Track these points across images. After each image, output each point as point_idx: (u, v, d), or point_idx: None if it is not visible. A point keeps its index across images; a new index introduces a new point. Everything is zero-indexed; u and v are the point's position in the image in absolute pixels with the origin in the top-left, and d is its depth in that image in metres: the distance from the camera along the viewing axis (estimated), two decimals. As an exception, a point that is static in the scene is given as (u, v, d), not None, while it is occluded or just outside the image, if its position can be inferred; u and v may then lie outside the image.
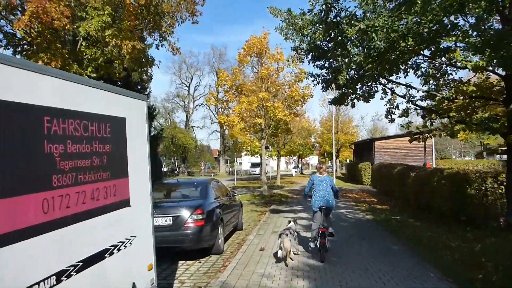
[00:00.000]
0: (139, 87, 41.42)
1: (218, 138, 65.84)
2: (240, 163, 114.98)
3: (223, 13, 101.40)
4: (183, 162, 65.47)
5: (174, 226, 7.52)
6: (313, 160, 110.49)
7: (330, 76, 11.64)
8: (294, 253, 7.65)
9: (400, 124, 12.67)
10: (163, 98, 61.08)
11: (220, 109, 24.05)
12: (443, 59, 9.71)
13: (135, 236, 3.84)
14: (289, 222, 8.16)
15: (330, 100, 13.02)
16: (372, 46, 7.32)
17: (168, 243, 7.50)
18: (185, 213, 7.63)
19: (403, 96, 10.96)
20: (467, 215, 10.98)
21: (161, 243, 7.48)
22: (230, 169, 76.83)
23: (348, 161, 59.90)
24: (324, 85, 12.29)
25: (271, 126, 21.90)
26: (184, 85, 65.12)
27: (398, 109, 11.01)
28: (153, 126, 43.06)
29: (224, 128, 22.10)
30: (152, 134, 43.02)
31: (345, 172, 47.56)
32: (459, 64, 9.01)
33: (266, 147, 32.08)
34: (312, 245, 7.84)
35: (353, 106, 12.61)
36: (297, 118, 22.80)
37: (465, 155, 70.89)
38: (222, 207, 9.02)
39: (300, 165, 69.50)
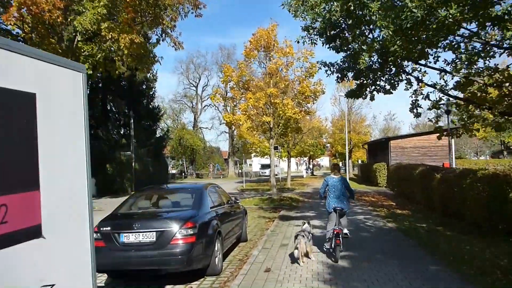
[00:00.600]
0: (144, 86, 40.30)
1: (227, 139, 64.39)
2: (250, 165, 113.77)
3: (232, 14, 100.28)
4: (191, 164, 64.27)
5: (158, 243, 6.05)
6: (324, 161, 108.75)
7: (347, 64, 10.15)
8: (308, 256, 7.38)
9: (428, 119, 10.96)
10: (170, 99, 60.15)
11: (227, 108, 22.20)
12: (481, 39, 8.15)
13: (52, 285, 2.39)
14: (304, 223, 7.81)
15: (346, 93, 11.49)
16: (404, 17, 5.80)
17: (151, 265, 6.06)
18: (172, 227, 6.15)
19: (433, 85, 9.39)
20: (507, 224, 9.40)
21: (142, 265, 6.07)
22: (240, 171, 75.54)
23: (360, 161, 58.16)
24: (340, 75, 10.81)
25: (280, 124, 20.40)
26: (192, 85, 64.02)
27: (429, 99, 9.45)
28: (160, 127, 41.89)
29: (233, 128, 20.63)
30: (158, 135, 41.81)
31: (358, 173, 45.85)
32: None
33: (276, 148, 30.62)
34: (327, 245, 7.76)
35: (372, 99, 11.10)
36: (308, 116, 21.04)
37: (480, 154, 68.50)
38: (220, 217, 7.56)
39: (311, 166, 67.84)
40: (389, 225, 11.57)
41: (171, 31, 22.19)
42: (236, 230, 9.05)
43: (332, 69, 10.68)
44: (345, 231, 7.87)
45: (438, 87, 9.26)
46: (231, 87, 19.84)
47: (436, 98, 9.37)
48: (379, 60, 8.74)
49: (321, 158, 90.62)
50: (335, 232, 7.29)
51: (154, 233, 6.09)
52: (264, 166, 65.72)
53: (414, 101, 10.10)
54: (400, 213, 14.32)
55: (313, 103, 20.82)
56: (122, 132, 36.14)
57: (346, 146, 30.19)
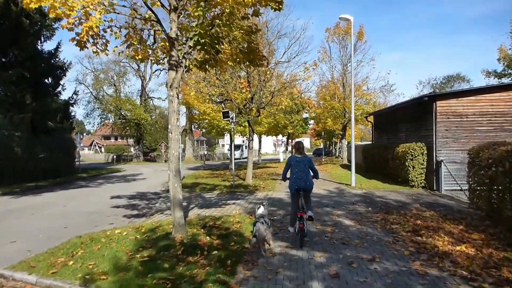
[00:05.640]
0: (44, 31, 26.27)
1: (184, 112, 50.44)
2: (223, 145, 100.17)
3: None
4: (137, 144, 50.45)
5: None
6: (305, 142, 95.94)
7: None
8: (267, 243, 6.58)
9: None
10: (110, 59, 45.48)
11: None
12: None
13: None
14: (259, 207, 6.93)
15: None
16: None
17: None
18: None
19: None
20: None
21: None
22: (206, 153, 62.26)
23: (346, 143, 45.15)
24: None
25: (202, 29, 7.08)
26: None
27: None
28: (63, 87, 27.67)
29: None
30: (61, 100, 27.66)
31: (356, 160, 32.85)
32: None
33: (226, 113, 17.38)
34: (291, 229, 7.44)
35: None
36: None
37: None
38: None
39: (290, 148, 54.96)
40: None
41: None
42: None
43: None
44: (309, 213, 7.19)
45: None
46: None
47: None
48: None
49: (302, 138, 76.21)
50: (298, 215, 6.87)
51: None
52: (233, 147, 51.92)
53: None
54: None
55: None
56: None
57: (352, 114, 16.79)
